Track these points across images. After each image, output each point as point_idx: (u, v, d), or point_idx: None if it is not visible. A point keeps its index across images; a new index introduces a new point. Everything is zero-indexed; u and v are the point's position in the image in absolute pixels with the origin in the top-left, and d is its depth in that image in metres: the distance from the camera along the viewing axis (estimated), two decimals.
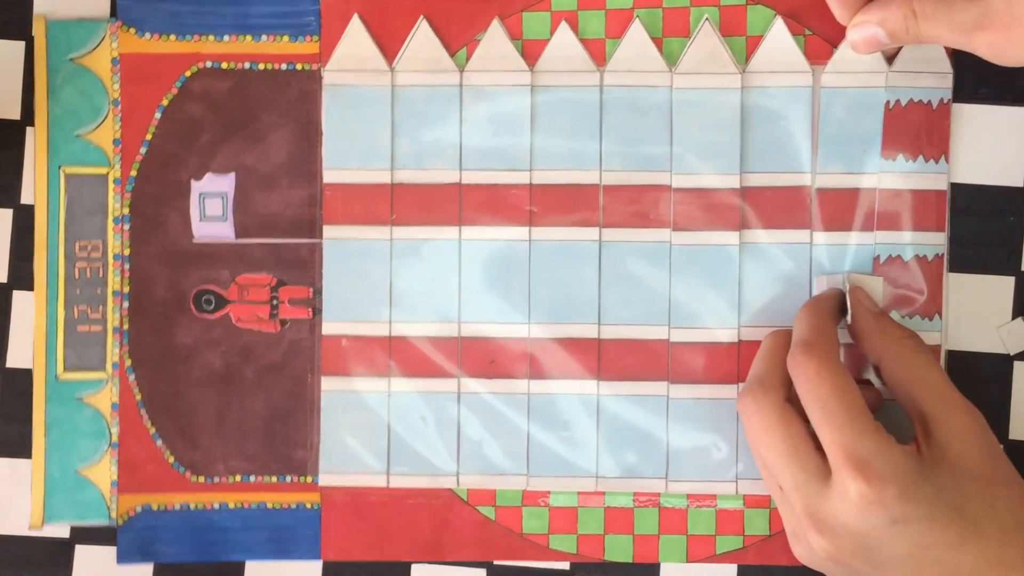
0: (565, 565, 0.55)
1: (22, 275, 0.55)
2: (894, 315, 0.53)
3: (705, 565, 0.54)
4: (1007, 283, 0.54)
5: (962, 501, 0.46)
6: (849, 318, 0.52)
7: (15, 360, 0.55)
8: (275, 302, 0.55)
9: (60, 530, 0.55)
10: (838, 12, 0.51)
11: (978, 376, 0.54)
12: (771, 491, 0.51)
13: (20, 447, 0.55)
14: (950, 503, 0.46)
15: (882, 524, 0.46)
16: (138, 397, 0.55)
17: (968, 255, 0.54)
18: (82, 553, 0.55)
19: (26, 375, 0.55)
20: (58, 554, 0.55)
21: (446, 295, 0.55)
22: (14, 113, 0.55)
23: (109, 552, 0.55)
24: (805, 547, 0.49)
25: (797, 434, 0.48)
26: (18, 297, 0.55)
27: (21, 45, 0.55)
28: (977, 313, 0.54)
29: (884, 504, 0.46)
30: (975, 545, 0.46)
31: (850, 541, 0.47)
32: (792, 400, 0.49)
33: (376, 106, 0.54)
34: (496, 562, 0.55)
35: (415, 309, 0.55)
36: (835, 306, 0.52)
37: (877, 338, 0.51)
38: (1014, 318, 0.54)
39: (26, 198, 0.55)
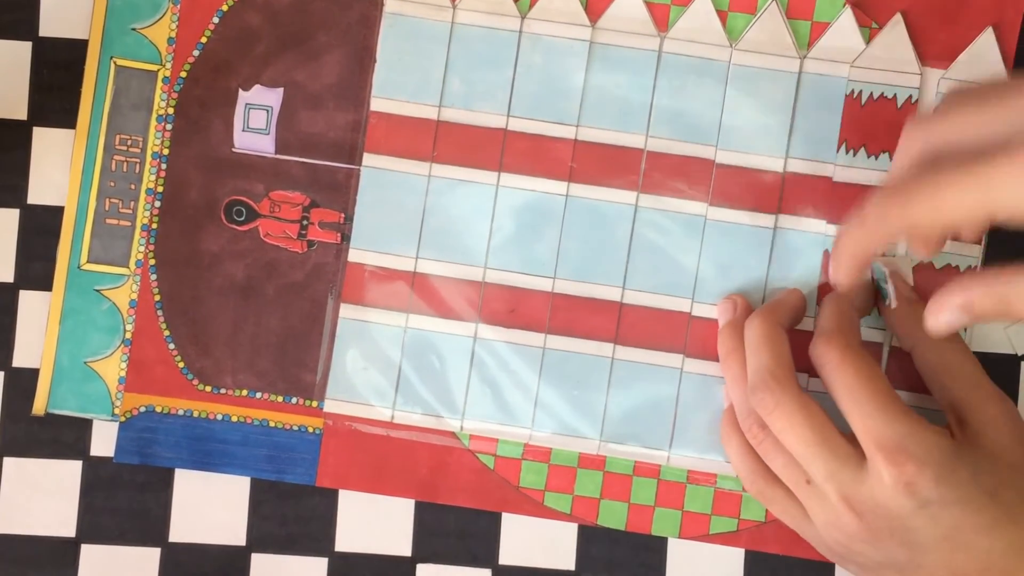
0: (570, 564, 0.55)
1: (29, 275, 0.55)
2: None
3: (710, 549, 0.54)
4: None
5: (996, 486, 0.46)
6: (892, 302, 0.51)
7: (21, 360, 0.55)
8: (305, 222, 0.55)
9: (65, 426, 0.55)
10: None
11: None
12: (793, 487, 0.49)
13: (24, 447, 0.55)
14: (984, 488, 0.46)
15: (918, 506, 0.46)
16: (157, 298, 0.55)
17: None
18: (87, 552, 0.55)
19: (32, 375, 0.55)
20: (63, 554, 0.55)
21: (476, 238, 0.54)
22: (21, 114, 0.55)
23: (114, 552, 0.55)
24: (841, 533, 0.48)
25: (823, 422, 0.48)
26: (25, 297, 0.55)
27: (28, 45, 0.55)
28: None
29: (921, 486, 0.46)
30: (1008, 530, 0.46)
31: (888, 521, 0.47)
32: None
33: (433, 41, 0.54)
34: (501, 562, 0.55)
35: (443, 249, 0.55)
36: (856, 296, 0.52)
37: (911, 325, 0.51)
38: None
39: (33, 198, 0.55)
